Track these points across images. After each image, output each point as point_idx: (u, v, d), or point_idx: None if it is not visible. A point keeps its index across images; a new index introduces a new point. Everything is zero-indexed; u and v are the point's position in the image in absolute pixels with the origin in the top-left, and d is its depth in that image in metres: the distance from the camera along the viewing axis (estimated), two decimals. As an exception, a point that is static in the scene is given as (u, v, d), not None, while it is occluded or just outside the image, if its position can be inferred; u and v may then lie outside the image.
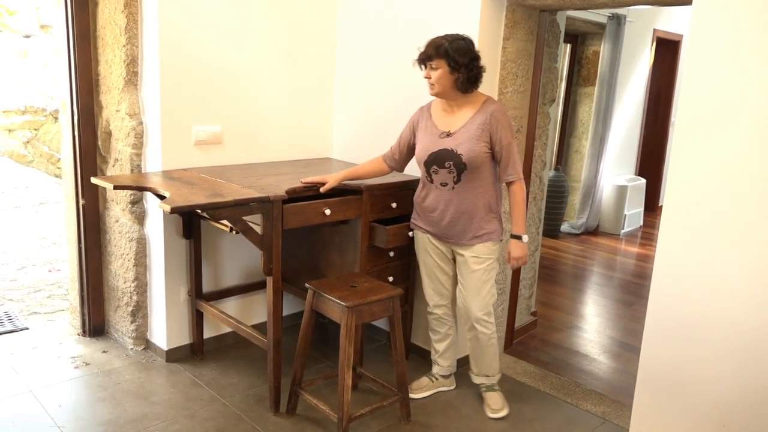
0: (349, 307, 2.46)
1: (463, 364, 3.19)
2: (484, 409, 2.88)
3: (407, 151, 2.82)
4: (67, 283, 3.87)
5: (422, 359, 3.22)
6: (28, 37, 9.50)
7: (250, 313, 3.45)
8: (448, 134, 2.63)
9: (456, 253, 2.76)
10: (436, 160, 2.64)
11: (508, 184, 2.67)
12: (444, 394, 3.01)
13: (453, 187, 2.64)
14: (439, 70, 2.52)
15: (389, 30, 3.24)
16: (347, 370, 2.48)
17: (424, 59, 2.55)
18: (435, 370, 3.01)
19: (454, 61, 2.49)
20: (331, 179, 2.77)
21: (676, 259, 2.36)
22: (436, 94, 2.61)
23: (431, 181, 2.69)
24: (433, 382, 2.99)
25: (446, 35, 2.54)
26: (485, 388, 2.91)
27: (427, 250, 2.82)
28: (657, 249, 2.41)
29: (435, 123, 2.69)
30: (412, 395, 2.91)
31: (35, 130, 8.02)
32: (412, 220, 2.87)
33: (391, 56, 3.24)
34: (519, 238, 2.66)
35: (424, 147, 2.68)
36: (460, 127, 2.62)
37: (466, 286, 2.75)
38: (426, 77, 2.58)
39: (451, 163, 2.61)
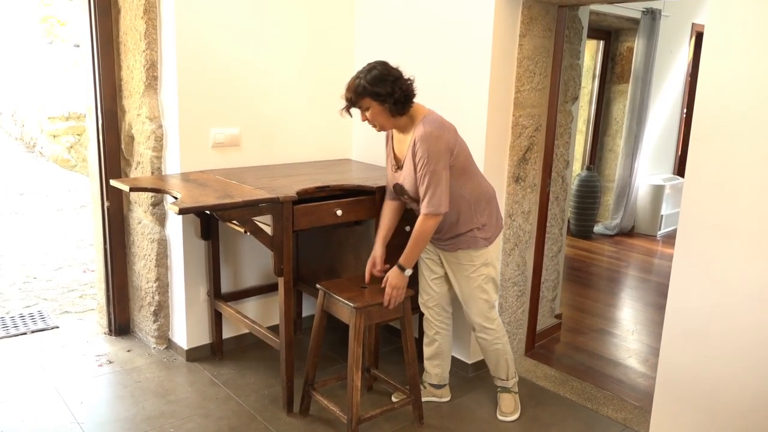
0: (357, 308, 2.45)
1: (481, 367, 3.14)
2: (496, 411, 2.83)
3: None
4: (96, 282, 3.98)
5: (440, 361, 3.17)
6: (77, 46, 9.88)
7: (269, 313, 3.48)
8: (399, 167, 2.57)
9: (444, 260, 2.71)
10: (399, 192, 2.61)
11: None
12: (460, 397, 2.96)
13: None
14: (371, 109, 2.43)
15: (406, 28, 3.22)
16: (356, 371, 2.47)
17: (350, 106, 2.47)
18: (424, 376, 2.92)
19: (377, 94, 2.38)
20: (380, 252, 2.66)
21: (694, 261, 2.27)
22: (383, 129, 2.54)
23: (408, 203, 2.66)
24: (421, 390, 2.88)
25: (359, 72, 2.43)
26: (500, 390, 2.86)
27: None
28: (675, 251, 2.33)
29: (393, 149, 2.62)
30: (397, 400, 2.84)
31: (78, 135, 8.32)
32: None
33: (408, 56, 3.21)
34: (402, 269, 2.50)
35: (388, 179, 2.67)
36: (404, 157, 2.53)
37: (460, 293, 2.71)
38: (363, 120, 2.51)
39: (406, 196, 2.57)
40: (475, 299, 2.68)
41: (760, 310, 2.12)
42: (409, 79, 2.45)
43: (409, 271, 2.52)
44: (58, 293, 4.21)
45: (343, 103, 2.50)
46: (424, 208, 2.44)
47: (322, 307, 2.64)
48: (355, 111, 2.53)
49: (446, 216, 2.52)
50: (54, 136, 8.26)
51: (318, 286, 2.64)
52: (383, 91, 2.38)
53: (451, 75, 2.99)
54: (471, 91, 2.91)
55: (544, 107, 3.13)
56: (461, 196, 2.54)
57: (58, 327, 3.60)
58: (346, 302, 2.48)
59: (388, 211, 2.71)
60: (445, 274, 2.76)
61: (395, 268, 2.53)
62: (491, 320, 2.72)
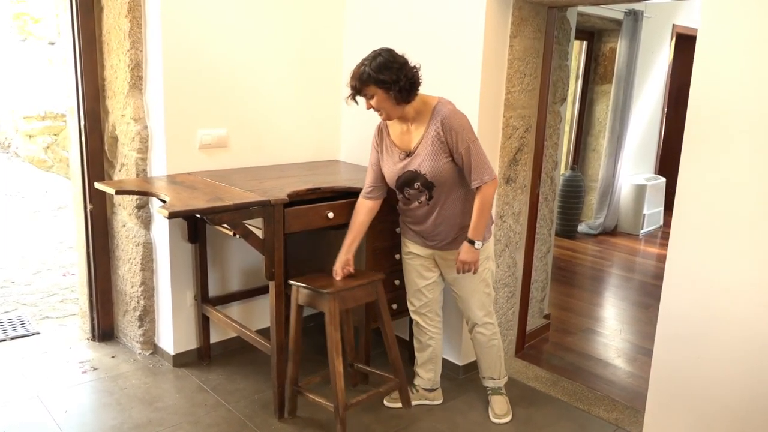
0: (331, 293, 2.50)
1: (472, 369, 3.13)
2: (489, 413, 2.82)
3: (383, 176, 2.66)
4: (78, 287, 3.89)
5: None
6: (52, 44, 9.66)
7: (257, 317, 3.43)
8: (408, 154, 2.53)
9: (441, 259, 2.68)
10: (406, 183, 2.56)
11: (476, 189, 2.49)
12: (452, 400, 2.95)
13: (428, 203, 2.57)
14: (375, 96, 2.40)
15: (396, 29, 3.19)
16: (336, 356, 2.52)
17: (355, 94, 2.44)
18: (416, 381, 2.91)
19: (382, 81, 2.35)
20: (345, 259, 2.64)
21: (687, 261, 2.28)
22: (389, 118, 2.51)
23: (407, 199, 2.62)
24: (413, 393, 2.89)
25: (364, 59, 2.41)
26: (491, 392, 2.86)
27: (409, 253, 2.75)
28: (668, 251, 2.34)
29: (394, 142, 2.57)
30: (389, 404, 2.86)
31: (55, 135, 8.14)
32: (400, 223, 2.79)
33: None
34: (472, 243, 2.51)
35: (390, 172, 2.59)
36: (418, 143, 2.50)
37: (462, 290, 2.69)
38: (368, 109, 2.47)
39: (419, 183, 2.53)
40: (478, 293, 2.68)
41: (754, 311, 2.13)
42: (414, 67, 2.43)
43: (479, 244, 2.51)
44: (38, 298, 4.10)
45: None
46: (480, 180, 2.44)
47: (297, 301, 2.65)
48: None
49: (452, 209, 2.55)
50: (30, 136, 8.07)
51: (290, 281, 2.64)
52: (388, 79, 2.35)
53: (443, 76, 2.97)
54: (463, 92, 2.89)
55: (534, 108, 3.12)
56: (466, 186, 2.55)
57: (38, 333, 3.51)
58: (320, 290, 2.52)
59: (363, 212, 2.67)
60: (439, 277, 2.75)
61: (465, 244, 2.51)
62: (491, 314, 2.73)
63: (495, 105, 2.94)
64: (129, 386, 2.96)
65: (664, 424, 2.43)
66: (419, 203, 2.58)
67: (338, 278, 2.61)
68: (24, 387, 2.92)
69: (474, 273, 2.57)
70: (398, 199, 2.67)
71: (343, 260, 2.64)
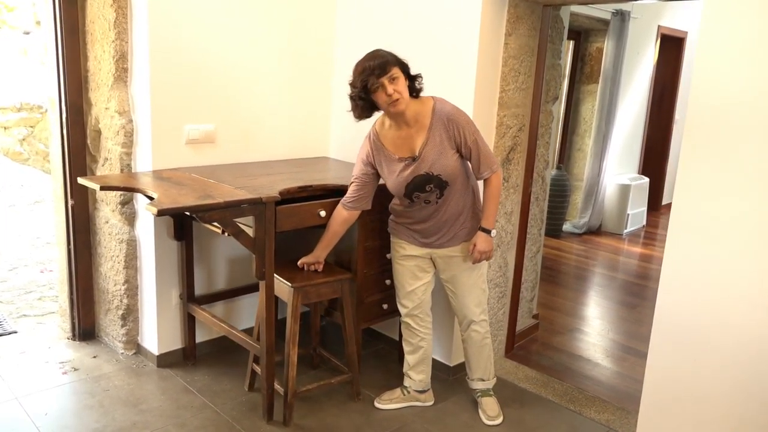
0: (295, 288, 2.57)
1: (462, 370, 3.10)
2: (479, 415, 2.80)
3: (369, 189, 2.61)
4: (58, 284, 3.78)
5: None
6: (27, 33, 9.40)
7: (244, 316, 3.36)
8: (414, 158, 2.47)
9: (439, 257, 2.65)
10: (417, 188, 2.50)
11: (485, 180, 2.52)
12: (443, 401, 2.92)
13: (436, 202, 2.54)
14: (399, 79, 2.34)
15: (391, 28, 3.14)
16: (293, 347, 2.60)
17: (381, 73, 2.31)
18: (407, 383, 2.87)
19: (402, 64, 2.38)
20: (314, 260, 2.72)
21: (685, 263, 2.26)
22: (403, 109, 2.40)
23: (413, 202, 2.56)
24: (405, 395, 2.87)
25: (372, 52, 2.41)
26: (480, 393, 2.83)
27: (404, 256, 2.70)
28: (665, 253, 2.32)
29: (392, 151, 2.51)
30: (380, 405, 2.84)
31: (31, 127, 7.94)
32: (390, 225, 2.74)
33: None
34: (488, 232, 2.54)
35: (396, 182, 2.52)
36: (424, 144, 2.45)
37: (458, 287, 2.66)
38: (391, 93, 2.33)
39: (432, 185, 2.49)
40: (476, 289, 2.67)
41: (753, 313, 2.13)
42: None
43: (494, 233, 2.57)
44: (15, 295, 3.98)
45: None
46: (489, 170, 2.49)
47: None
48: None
49: (456, 206, 2.55)
50: (5, 128, 7.86)
51: None
52: (407, 65, 2.40)
53: (439, 75, 2.92)
54: (458, 90, 2.85)
55: (527, 107, 3.10)
56: (470, 182, 2.57)
57: (16, 332, 3.40)
58: (285, 282, 2.58)
59: (338, 222, 2.64)
60: (432, 276, 2.71)
61: (480, 233, 2.55)
62: (485, 311, 2.72)
63: (489, 103, 2.91)
64: (112, 387, 2.87)
65: (659, 429, 2.42)
66: (426, 203, 2.54)
67: (300, 267, 2.73)
68: (1, 389, 2.82)
69: (488, 259, 2.61)
70: (400, 203, 2.61)
71: (312, 260, 2.72)
